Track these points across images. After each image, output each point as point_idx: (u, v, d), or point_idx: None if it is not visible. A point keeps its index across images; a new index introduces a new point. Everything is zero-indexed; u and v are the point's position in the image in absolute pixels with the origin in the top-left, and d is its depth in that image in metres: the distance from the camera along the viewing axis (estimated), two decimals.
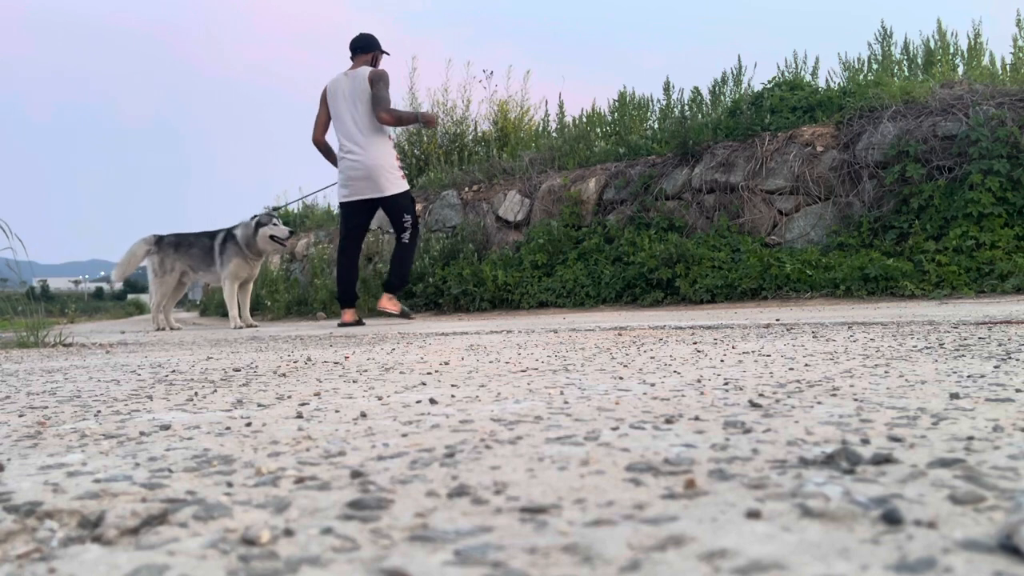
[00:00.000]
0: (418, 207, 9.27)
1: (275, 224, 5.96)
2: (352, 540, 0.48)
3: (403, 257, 5.29)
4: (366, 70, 5.13)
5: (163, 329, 6.12)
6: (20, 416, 1.10)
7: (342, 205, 5.30)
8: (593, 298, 6.65)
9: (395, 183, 5.18)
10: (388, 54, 5.40)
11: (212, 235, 6.20)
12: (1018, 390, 0.99)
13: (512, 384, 1.29)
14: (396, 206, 5.19)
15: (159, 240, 6.25)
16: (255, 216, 6.04)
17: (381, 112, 5.01)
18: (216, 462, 0.72)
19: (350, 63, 5.27)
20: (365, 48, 5.25)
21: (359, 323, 5.27)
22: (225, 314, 12.43)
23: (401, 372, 1.57)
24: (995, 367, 1.26)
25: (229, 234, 6.09)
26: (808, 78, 7.72)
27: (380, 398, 1.16)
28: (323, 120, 5.29)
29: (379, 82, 5.07)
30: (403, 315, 5.50)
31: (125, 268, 6.33)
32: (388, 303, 5.33)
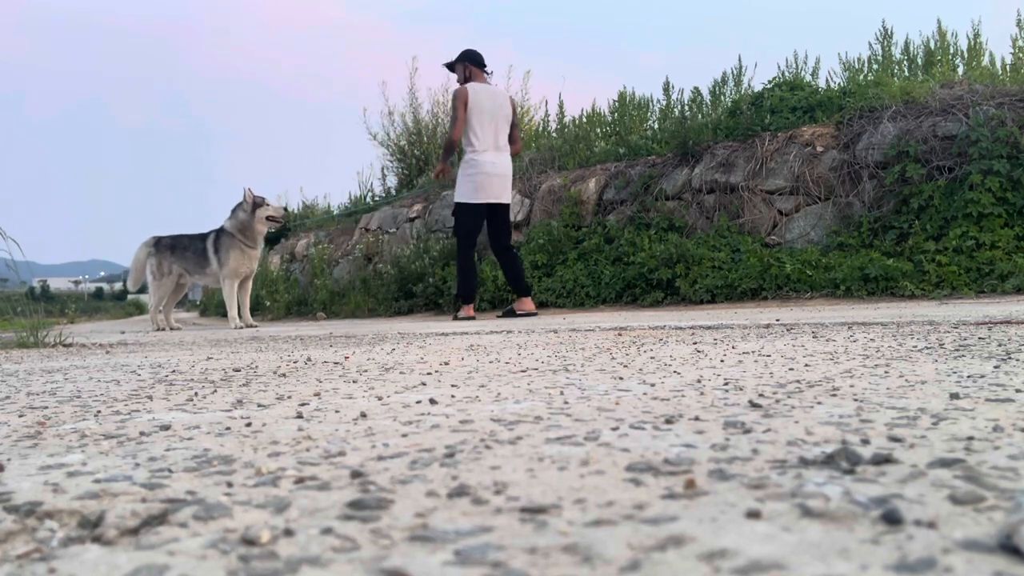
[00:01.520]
0: (417, 207, 9.30)
1: (268, 204, 5.96)
2: (352, 540, 0.48)
3: (516, 261, 5.74)
4: (505, 94, 5.84)
5: (163, 329, 6.08)
6: (20, 416, 1.10)
7: (472, 206, 5.56)
8: (593, 298, 6.65)
9: (456, 195, 5.71)
10: (462, 68, 5.88)
11: (203, 237, 6.16)
12: (1018, 390, 0.99)
13: (512, 384, 1.29)
14: (506, 213, 5.71)
15: (157, 242, 6.24)
16: (241, 202, 5.95)
17: (519, 141, 5.80)
18: (216, 462, 0.72)
19: (465, 71, 5.78)
20: (483, 65, 5.80)
21: (473, 318, 5.55)
22: (225, 314, 12.45)
23: (401, 372, 1.57)
24: (995, 367, 1.26)
25: (219, 231, 6.02)
26: (808, 78, 7.72)
27: (380, 398, 1.16)
28: (463, 122, 5.55)
29: (517, 110, 5.79)
30: (518, 313, 5.67)
31: (137, 276, 6.35)
32: (529, 304, 5.70)
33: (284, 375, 1.61)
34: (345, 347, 2.58)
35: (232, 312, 6.01)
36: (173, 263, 6.15)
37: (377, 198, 11.26)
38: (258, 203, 5.86)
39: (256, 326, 6.20)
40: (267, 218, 5.89)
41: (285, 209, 6.07)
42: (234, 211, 5.96)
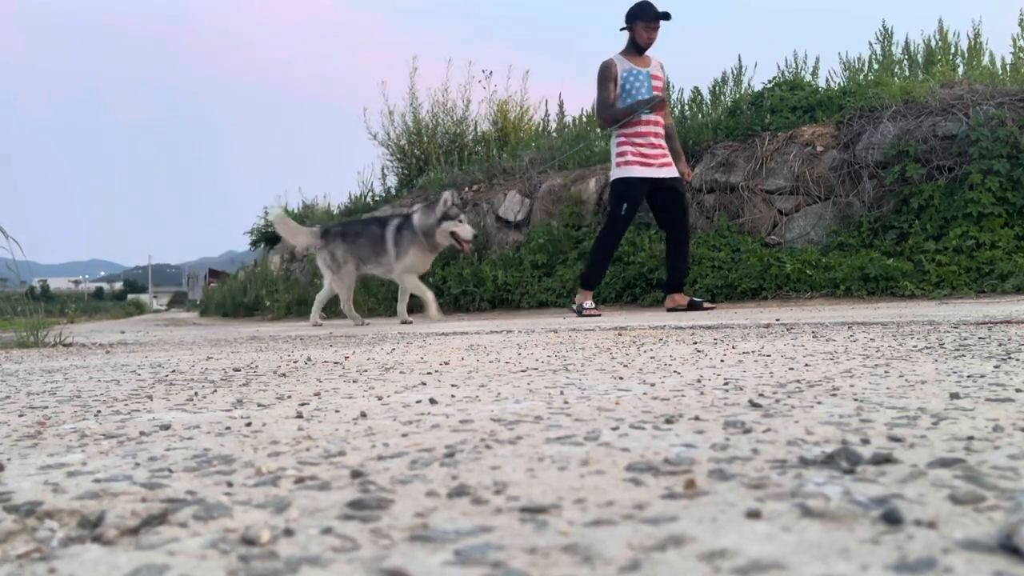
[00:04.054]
0: (417, 207, 9.29)
1: (461, 221, 5.27)
2: (352, 540, 0.48)
3: (591, 249, 5.30)
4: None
5: (363, 324, 5.44)
6: (20, 416, 1.10)
7: (639, 181, 5.07)
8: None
9: (612, 170, 5.24)
10: (627, 29, 5.18)
11: (382, 222, 5.56)
12: (1018, 390, 0.99)
13: (512, 384, 1.29)
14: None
15: (325, 232, 5.59)
16: (438, 202, 5.32)
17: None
18: (216, 462, 0.72)
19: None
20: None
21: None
22: (226, 314, 12.45)
23: (401, 372, 1.57)
24: (995, 367, 1.26)
25: (405, 220, 5.40)
26: (808, 78, 7.72)
27: (380, 398, 1.16)
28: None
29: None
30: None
31: (292, 235, 5.76)
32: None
33: (284, 375, 1.61)
34: (345, 347, 2.58)
35: (429, 297, 5.38)
36: (348, 251, 5.49)
37: (377, 198, 11.26)
38: (449, 215, 5.23)
39: (411, 321, 5.43)
40: (451, 234, 5.24)
41: (475, 236, 5.42)
42: (425, 209, 5.41)
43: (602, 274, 5.31)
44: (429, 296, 5.38)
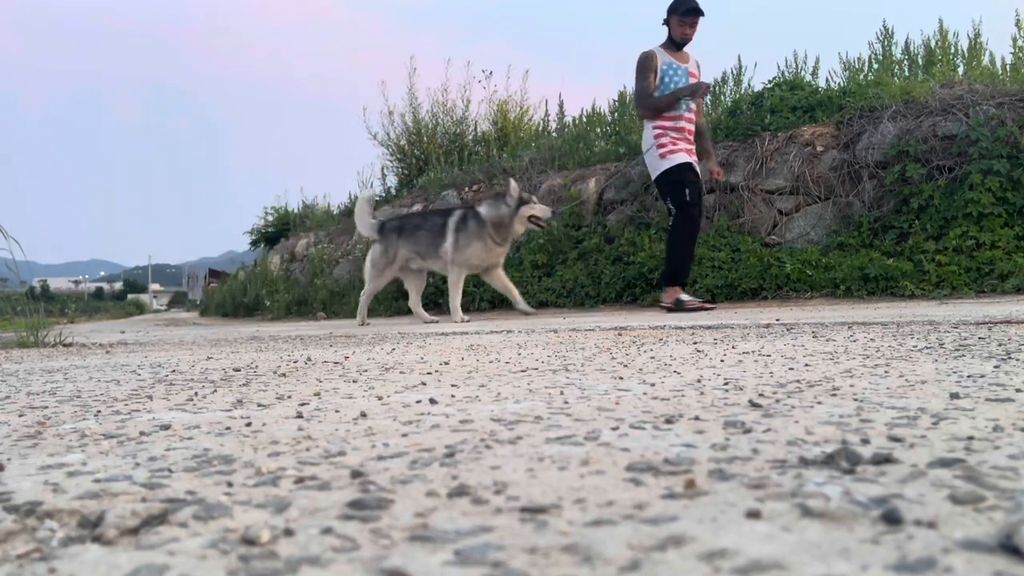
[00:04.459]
0: (417, 207, 9.29)
1: (534, 202, 5.12)
2: (352, 540, 0.48)
3: (667, 243, 5.11)
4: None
5: (365, 324, 5.29)
6: (20, 416, 1.10)
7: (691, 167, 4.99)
8: (593, 298, 6.65)
9: (653, 166, 5.08)
10: (665, 23, 5.11)
11: (445, 213, 5.33)
12: (1018, 390, 0.99)
13: (512, 384, 1.29)
14: (658, 193, 5.13)
15: (381, 227, 5.38)
16: (506, 191, 5.11)
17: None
18: (216, 462, 0.72)
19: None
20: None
21: (707, 308, 4.97)
22: (226, 314, 12.45)
23: (401, 372, 1.57)
24: (995, 367, 1.26)
25: (470, 212, 5.17)
26: (808, 78, 7.72)
27: (380, 398, 1.16)
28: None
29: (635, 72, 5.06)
30: (678, 307, 4.93)
31: (359, 221, 5.50)
32: (664, 296, 5.09)
33: (284, 375, 1.61)
34: (345, 347, 2.58)
35: (455, 304, 5.21)
36: (400, 248, 5.26)
37: (377, 198, 11.25)
38: (524, 200, 5.06)
39: (468, 319, 5.25)
40: (530, 218, 5.07)
41: (553, 213, 5.28)
42: (493, 199, 5.19)
43: (689, 267, 5.13)
44: (456, 301, 5.20)
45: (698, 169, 5.10)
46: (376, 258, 5.34)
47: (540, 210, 5.11)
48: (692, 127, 5.09)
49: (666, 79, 5.02)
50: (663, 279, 5.13)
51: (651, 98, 5.01)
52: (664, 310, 5.06)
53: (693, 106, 5.09)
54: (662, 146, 5.00)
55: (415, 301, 5.55)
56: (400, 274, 5.48)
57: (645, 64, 5.03)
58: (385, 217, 5.61)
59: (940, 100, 6.06)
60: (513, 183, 5.16)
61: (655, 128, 5.06)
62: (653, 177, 5.17)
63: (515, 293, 5.38)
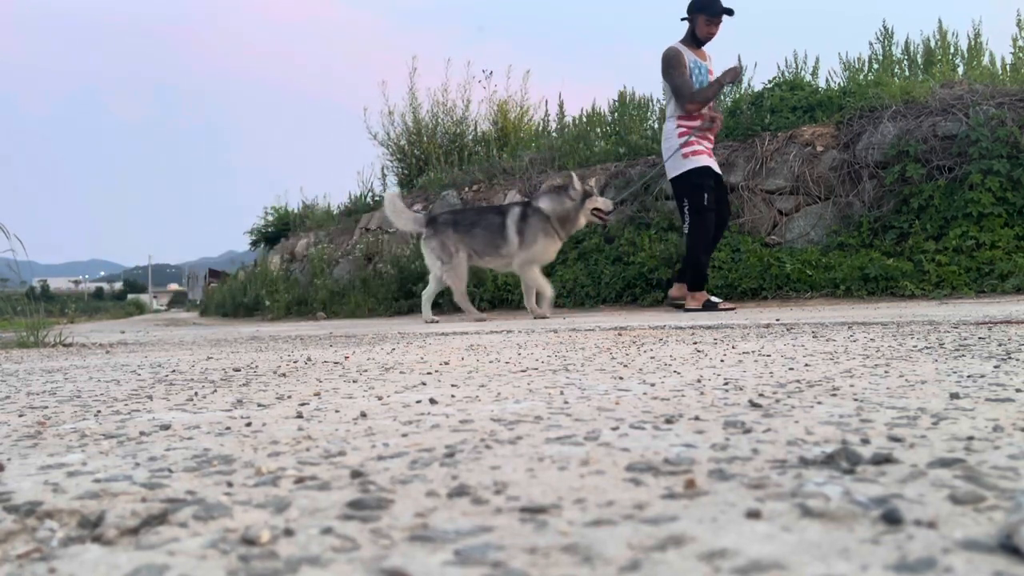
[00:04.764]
0: (417, 207, 9.28)
1: (597, 195, 5.03)
2: (352, 540, 0.48)
3: (686, 248, 5.11)
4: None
5: (482, 319, 5.14)
6: (20, 416, 1.10)
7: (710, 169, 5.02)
8: (593, 298, 6.65)
9: (674, 165, 5.06)
10: (686, 20, 5.11)
11: (501, 210, 5.18)
12: (1018, 390, 0.99)
13: (512, 384, 1.29)
14: (675, 193, 5.10)
15: (432, 220, 5.24)
16: (569, 185, 4.99)
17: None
18: (216, 462, 0.72)
19: None
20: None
21: (733, 308, 5.03)
22: (226, 314, 12.45)
23: (401, 372, 1.57)
24: (995, 367, 1.26)
25: (530, 208, 5.02)
26: (808, 78, 7.72)
27: (380, 398, 1.16)
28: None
29: (665, 70, 5.05)
30: (708, 308, 4.95)
31: (396, 216, 5.34)
32: (689, 301, 5.07)
33: (284, 375, 1.61)
34: (345, 347, 2.58)
35: (532, 303, 5.09)
36: (459, 242, 5.11)
37: (377, 198, 11.26)
38: (588, 192, 4.96)
39: (547, 316, 5.04)
40: (593, 211, 4.96)
41: (615, 206, 5.18)
42: (554, 193, 5.03)
43: (706, 270, 5.14)
44: (548, 291, 5.06)
45: (718, 171, 5.12)
46: (439, 251, 5.12)
47: (603, 203, 5.02)
48: (714, 127, 5.13)
49: (693, 77, 5.03)
50: (687, 284, 5.11)
51: (697, 92, 4.98)
52: (676, 308, 5.07)
53: (712, 103, 5.14)
54: (687, 145, 5.00)
55: (430, 296, 5.42)
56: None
57: (678, 60, 5.01)
58: (429, 212, 5.45)
59: (940, 100, 6.06)
60: (575, 176, 5.05)
61: (679, 128, 5.07)
62: (671, 177, 5.14)
63: (533, 295, 5.19)
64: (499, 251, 5.04)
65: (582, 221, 4.99)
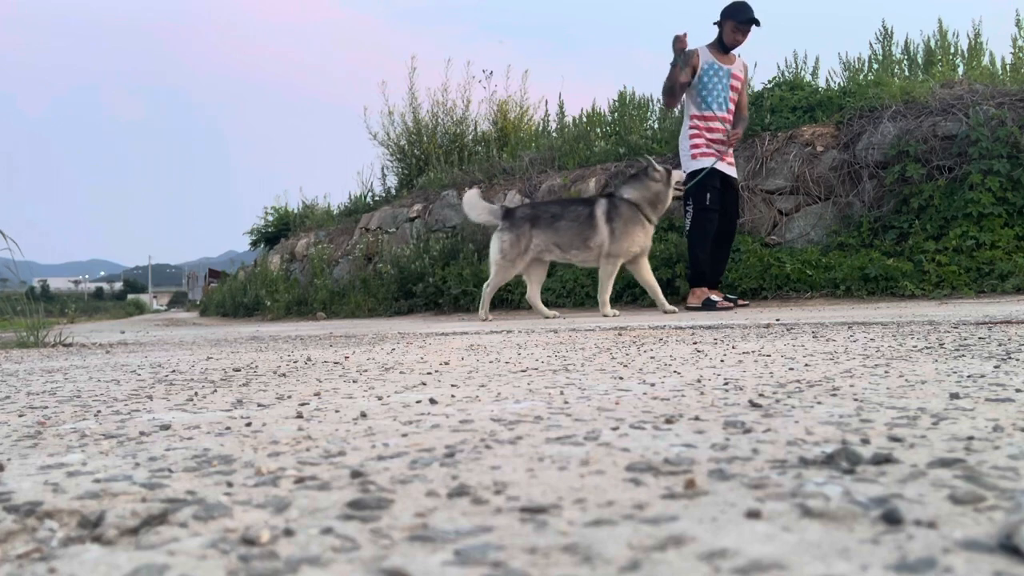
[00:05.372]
0: (417, 207, 9.29)
1: (671, 167, 4.99)
2: (352, 540, 0.48)
3: (687, 245, 5.19)
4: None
5: (487, 320, 5.00)
6: (20, 416, 1.10)
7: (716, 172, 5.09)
8: (593, 298, 6.65)
9: (684, 163, 5.19)
10: (717, 24, 5.20)
11: (586, 202, 5.04)
12: (1018, 390, 0.99)
13: (512, 384, 1.29)
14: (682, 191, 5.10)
15: (508, 213, 5.03)
16: (648, 167, 4.86)
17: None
18: (216, 462, 0.72)
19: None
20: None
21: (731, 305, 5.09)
22: (226, 314, 12.45)
23: (401, 372, 1.57)
24: (995, 367, 1.26)
25: (615, 199, 4.88)
26: (808, 78, 7.72)
27: (380, 398, 1.16)
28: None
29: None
30: (707, 307, 5.00)
31: (471, 208, 5.21)
32: (690, 298, 5.19)
33: (284, 375, 1.61)
34: (345, 347, 2.58)
35: (605, 297, 4.91)
36: (534, 239, 4.93)
37: (377, 198, 11.26)
38: (668, 169, 4.89)
39: (675, 310, 4.96)
40: (676, 186, 4.90)
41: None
42: (635, 180, 4.91)
43: (706, 267, 5.15)
44: (607, 296, 4.93)
45: (730, 173, 5.20)
46: (506, 248, 4.94)
47: (678, 175, 4.97)
48: (727, 128, 5.19)
49: (705, 79, 5.12)
50: (688, 280, 5.23)
51: (665, 81, 5.15)
52: (685, 308, 5.13)
53: (731, 106, 5.20)
54: (696, 146, 5.11)
55: (534, 294, 5.23)
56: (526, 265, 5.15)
57: (686, 60, 5.12)
58: (505, 205, 5.31)
59: (940, 100, 6.06)
60: (651, 159, 5.01)
61: (691, 127, 5.18)
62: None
63: (658, 290, 5.05)
64: (587, 244, 4.86)
65: (669, 201, 4.91)
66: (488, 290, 5.16)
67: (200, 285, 29.89)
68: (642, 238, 4.87)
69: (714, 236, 5.11)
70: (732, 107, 5.20)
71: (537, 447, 0.74)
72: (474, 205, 5.22)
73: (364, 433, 0.85)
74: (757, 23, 5.07)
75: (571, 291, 6.81)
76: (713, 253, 5.16)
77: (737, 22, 5.05)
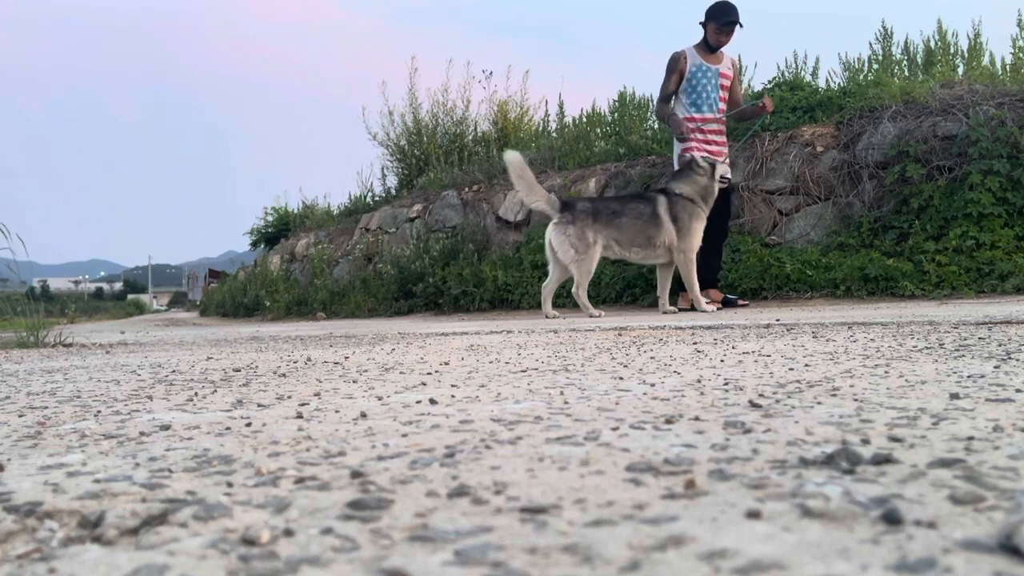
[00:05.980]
0: (417, 207, 9.29)
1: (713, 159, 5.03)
2: (352, 540, 0.48)
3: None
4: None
5: (598, 315, 4.84)
6: (20, 416, 1.10)
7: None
8: (593, 298, 6.65)
9: (675, 160, 5.28)
10: (702, 25, 5.24)
11: (645, 199, 4.97)
12: (1018, 390, 0.99)
13: (512, 384, 1.29)
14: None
15: (567, 206, 4.87)
16: (692, 162, 4.93)
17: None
18: (216, 462, 0.72)
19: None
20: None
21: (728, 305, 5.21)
22: (226, 314, 12.45)
23: (401, 372, 1.57)
24: (995, 367, 1.26)
25: (673, 196, 4.85)
26: (808, 78, 7.72)
27: (380, 398, 1.16)
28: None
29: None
30: (726, 304, 5.18)
31: (526, 188, 4.90)
32: (682, 299, 5.29)
33: (284, 375, 1.61)
34: (345, 347, 2.58)
35: (696, 292, 4.91)
36: (598, 233, 4.83)
37: (377, 198, 11.25)
38: (711, 161, 4.93)
39: (675, 310, 5.06)
40: (720, 179, 4.96)
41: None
42: (683, 174, 4.93)
43: (705, 269, 5.18)
44: (697, 290, 4.94)
45: (728, 174, 5.23)
46: (575, 241, 4.79)
47: (722, 168, 5.01)
48: (723, 127, 5.27)
49: (693, 80, 5.21)
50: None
51: (660, 103, 5.31)
52: (683, 310, 5.17)
53: (722, 106, 5.26)
54: (687, 149, 5.18)
55: (551, 290, 5.13)
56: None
57: (671, 65, 5.23)
58: (563, 197, 5.17)
59: (940, 100, 6.06)
60: (692, 153, 5.03)
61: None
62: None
63: (667, 289, 5.11)
64: (652, 241, 4.82)
65: (716, 192, 4.94)
66: (578, 290, 4.97)
67: (200, 285, 29.90)
68: (702, 233, 4.92)
69: (708, 236, 5.12)
70: (723, 106, 5.26)
71: (537, 447, 0.74)
72: (528, 185, 4.89)
73: (364, 433, 0.85)
74: (740, 24, 5.13)
75: (571, 292, 6.81)
76: (707, 253, 5.19)
77: (719, 24, 5.12)
